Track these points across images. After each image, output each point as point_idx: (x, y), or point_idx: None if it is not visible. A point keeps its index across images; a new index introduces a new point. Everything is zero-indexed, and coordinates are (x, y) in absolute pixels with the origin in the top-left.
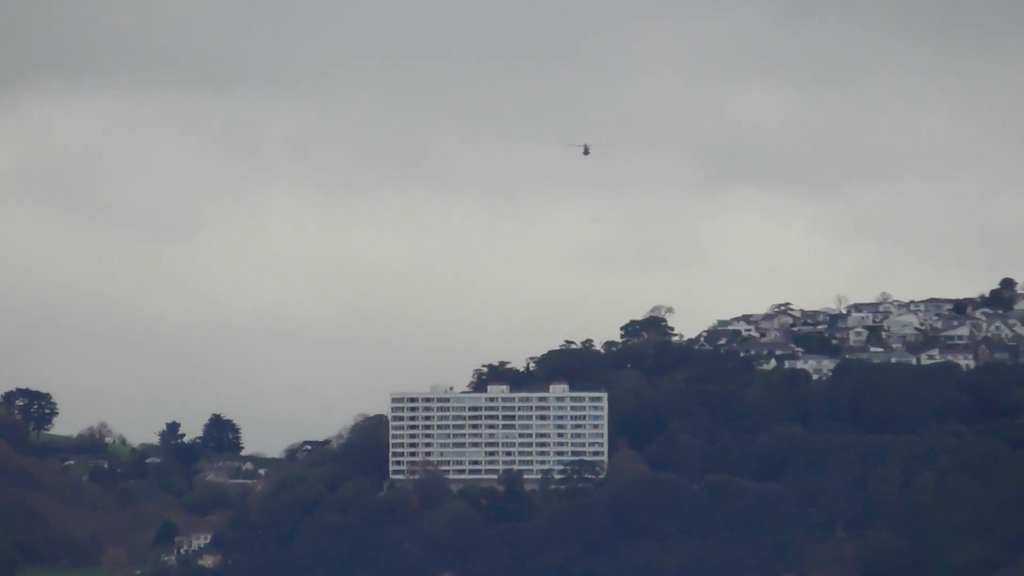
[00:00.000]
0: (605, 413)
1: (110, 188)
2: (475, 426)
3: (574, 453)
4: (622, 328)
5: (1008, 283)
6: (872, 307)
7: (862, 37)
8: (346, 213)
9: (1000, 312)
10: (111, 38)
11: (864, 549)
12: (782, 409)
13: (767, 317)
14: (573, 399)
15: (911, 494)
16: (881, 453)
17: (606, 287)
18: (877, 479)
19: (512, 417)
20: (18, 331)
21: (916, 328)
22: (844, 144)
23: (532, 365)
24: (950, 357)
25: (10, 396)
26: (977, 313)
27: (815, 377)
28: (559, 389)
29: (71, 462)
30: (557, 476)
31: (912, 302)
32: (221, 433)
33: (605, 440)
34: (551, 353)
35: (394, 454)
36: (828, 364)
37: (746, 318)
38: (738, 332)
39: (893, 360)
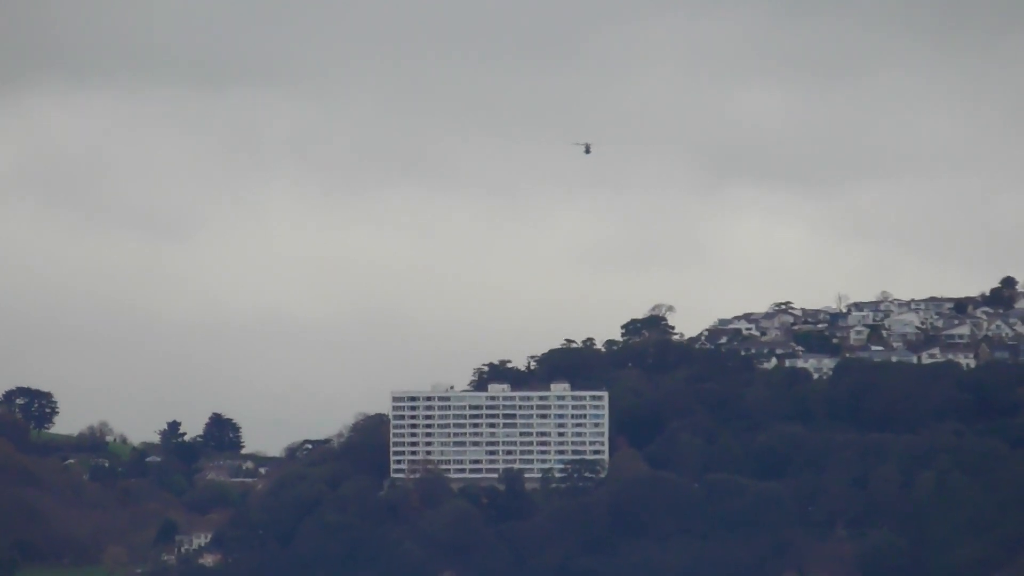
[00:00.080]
0: (606, 412)
1: (110, 188)
2: (476, 425)
3: (575, 452)
4: (623, 327)
5: (1009, 282)
6: (873, 306)
7: (862, 36)
8: (346, 213)
9: (1001, 311)
10: (111, 38)
11: (864, 548)
12: (782, 408)
13: (768, 316)
14: (574, 398)
15: (911, 493)
16: (881, 452)
17: (607, 286)
18: (877, 478)
19: (513, 416)
20: (19, 330)
21: (917, 327)
22: (845, 143)
23: (533, 364)
24: (951, 356)
25: (11, 395)
26: (978, 312)
27: (816, 376)
28: (560, 388)
29: (72, 461)
30: (558, 475)
31: (912, 301)
32: (222, 432)
33: (606, 439)
34: (552, 352)
35: (395, 453)
36: (828, 363)
37: (747, 317)
38: (739, 331)
39: (894, 359)
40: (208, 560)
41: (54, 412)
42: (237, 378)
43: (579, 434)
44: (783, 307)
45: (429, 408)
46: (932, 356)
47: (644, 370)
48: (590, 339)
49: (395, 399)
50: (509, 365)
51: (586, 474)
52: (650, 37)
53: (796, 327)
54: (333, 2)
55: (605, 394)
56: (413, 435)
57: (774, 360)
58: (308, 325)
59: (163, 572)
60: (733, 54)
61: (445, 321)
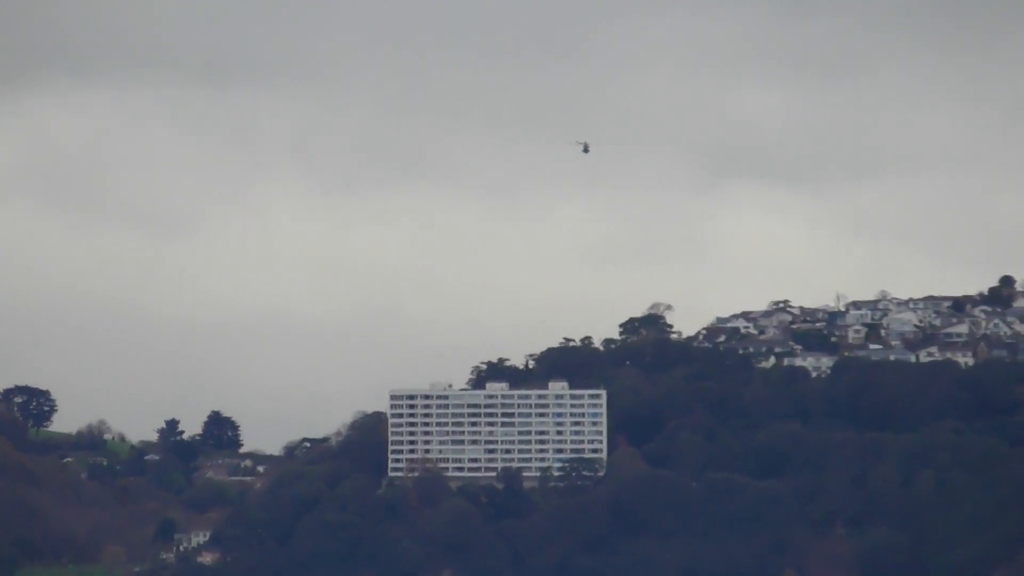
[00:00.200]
0: (604, 411)
1: (110, 186)
2: (474, 423)
3: (573, 451)
4: (621, 326)
5: (1007, 280)
6: (871, 304)
7: (863, 35)
8: (346, 211)
9: (999, 310)
10: (112, 36)
11: (863, 546)
12: (781, 406)
13: (766, 314)
14: (572, 397)
15: (910, 491)
16: (880, 450)
17: (606, 284)
18: (876, 476)
19: (511, 415)
20: (17, 328)
21: (915, 325)
22: (844, 143)
23: (531, 363)
24: (949, 355)
25: (9, 393)
26: (976, 311)
27: (814, 374)
28: (558, 387)
29: (70, 459)
30: (556, 474)
31: (911, 299)
32: (220, 430)
33: (604, 438)
34: (550, 351)
35: (393, 451)
36: (827, 361)
37: (745, 315)
38: (737, 329)
39: (892, 357)
40: (207, 558)
41: (52, 410)
42: (236, 376)
43: (578, 433)
44: (782, 306)
45: (427, 407)
46: (930, 355)
47: (643, 369)
48: (588, 338)
49: (393, 397)
50: (507, 364)
51: (585, 473)
52: (650, 36)
53: (795, 326)
54: (333, 1)
55: (603, 393)
56: (412, 434)
57: (773, 359)
58: (307, 323)
59: (162, 570)
60: (733, 53)
61: (444, 319)
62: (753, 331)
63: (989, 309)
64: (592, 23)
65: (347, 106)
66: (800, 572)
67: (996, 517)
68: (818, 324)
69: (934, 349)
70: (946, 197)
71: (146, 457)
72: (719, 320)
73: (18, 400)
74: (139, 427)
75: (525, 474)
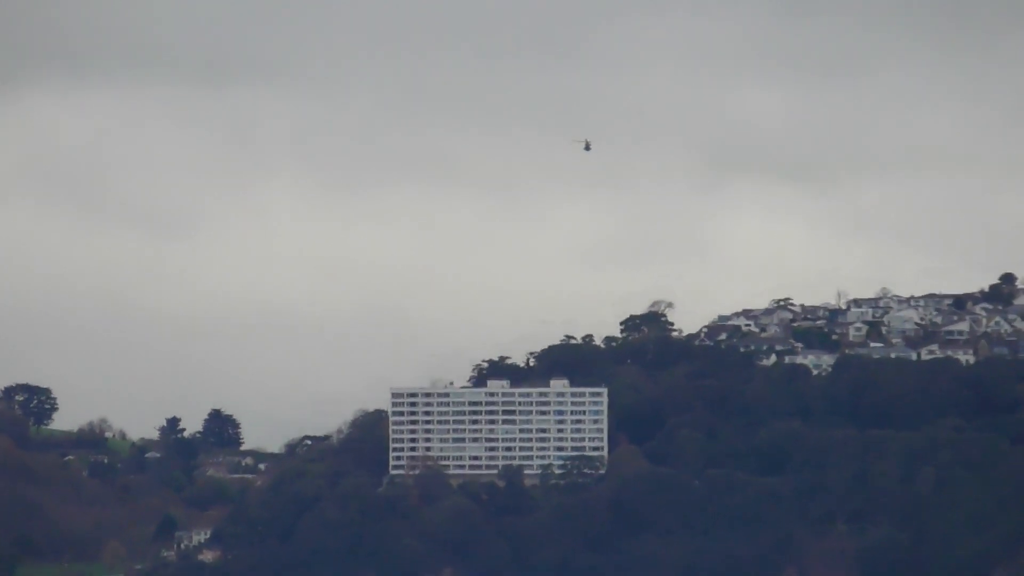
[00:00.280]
0: (605, 408)
1: (111, 185)
2: (475, 421)
3: (574, 448)
4: (622, 323)
5: (1008, 278)
6: (872, 302)
7: (863, 34)
8: (347, 209)
9: (1000, 307)
10: (112, 35)
11: (864, 544)
12: (782, 404)
13: (767, 312)
14: (573, 394)
15: (911, 489)
16: (881, 448)
17: (606, 282)
18: (877, 474)
19: (512, 412)
20: (18, 326)
21: (916, 323)
22: (844, 141)
23: (532, 360)
24: (950, 352)
25: (10, 391)
26: (977, 308)
27: (815, 372)
28: (559, 384)
29: (71, 457)
30: (557, 471)
31: (912, 297)
32: (221, 428)
33: (605, 435)
34: (551, 348)
35: (394, 449)
36: (828, 359)
37: (746, 313)
38: (738, 327)
39: (893, 355)
40: (207, 556)
41: (53, 408)
42: (237, 374)
43: (579, 430)
44: (783, 303)
45: (428, 404)
46: (931, 352)
47: (644, 367)
48: (589, 336)
49: (394, 395)
50: (509, 362)
51: (586, 470)
52: (650, 35)
53: (796, 323)
54: (334, 1)
55: (604, 390)
56: (412, 431)
57: (774, 356)
58: (307, 321)
59: (162, 568)
60: (733, 52)
61: (445, 318)
62: (754, 329)
63: (990, 307)
64: (593, 22)
65: (347, 105)
66: (801, 569)
67: (997, 515)
68: (819, 322)
69: (935, 347)
70: (946, 195)
71: (147, 455)
72: (720, 318)
73: (19, 398)
74: (140, 425)
75: (526, 472)
